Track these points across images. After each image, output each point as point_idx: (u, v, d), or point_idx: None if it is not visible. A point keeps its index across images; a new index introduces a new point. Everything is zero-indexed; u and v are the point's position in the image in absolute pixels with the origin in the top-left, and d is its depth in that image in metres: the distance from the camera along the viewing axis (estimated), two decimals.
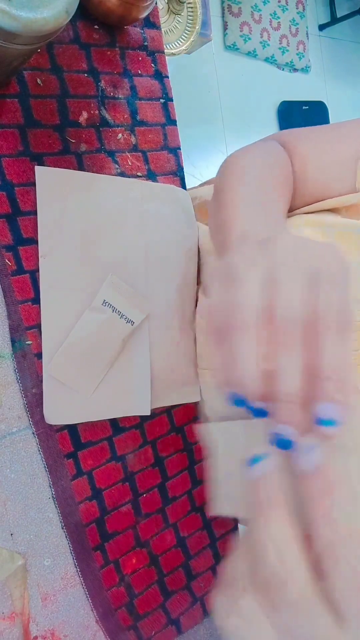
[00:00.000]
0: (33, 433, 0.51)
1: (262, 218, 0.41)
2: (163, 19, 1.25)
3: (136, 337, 0.55)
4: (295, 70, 2.53)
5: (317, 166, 0.51)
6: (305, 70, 2.57)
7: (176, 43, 1.29)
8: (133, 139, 0.57)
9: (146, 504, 0.59)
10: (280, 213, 0.44)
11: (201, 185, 0.82)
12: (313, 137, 0.53)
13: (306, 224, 0.48)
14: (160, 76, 0.59)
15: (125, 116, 0.57)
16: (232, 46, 2.23)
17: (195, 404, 0.61)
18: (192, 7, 1.27)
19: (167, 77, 0.60)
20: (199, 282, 0.61)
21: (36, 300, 0.51)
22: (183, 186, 0.62)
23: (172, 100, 0.60)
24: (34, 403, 0.51)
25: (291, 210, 0.53)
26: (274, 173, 0.49)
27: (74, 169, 0.53)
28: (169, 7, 1.24)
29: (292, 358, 0.23)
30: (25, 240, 0.50)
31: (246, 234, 0.39)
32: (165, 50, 0.60)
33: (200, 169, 2.06)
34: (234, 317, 0.25)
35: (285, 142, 0.55)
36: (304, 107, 2.52)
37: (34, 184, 0.50)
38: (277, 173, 0.50)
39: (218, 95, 2.19)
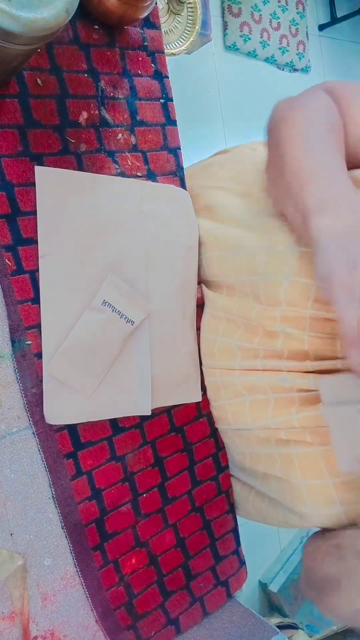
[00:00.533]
0: (33, 433, 0.51)
1: (332, 181, 0.42)
2: (163, 19, 1.25)
3: (136, 337, 0.55)
4: (295, 70, 2.53)
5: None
6: (305, 70, 2.57)
7: (176, 43, 1.29)
8: (133, 139, 0.57)
9: (146, 504, 0.59)
10: (344, 173, 0.44)
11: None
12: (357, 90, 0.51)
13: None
14: (160, 76, 0.59)
15: (125, 116, 0.57)
16: (232, 46, 2.23)
17: (196, 403, 0.61)
18: (192, 7, 1.27)
19: (167, 77, 0.60)
20: (199, 282, 0.61)
21: (36, 300, 0.51)
22: (183, 186, 0.62)
23: (172, 100, 0.60)
24: (34, 403, 0.51)
25: None
26: (332, 131, 0.48)
27: (74, 169, 0.53)
28: (169, 7, 1.24)
29: None
30: (25, 241, 0.50)
31: (324, 202, 0.40)
32: (165, 50, 0.60)
33: None
34: None
35: (339, 97, 0.52)
36: None
37: (33, 184, 0.50)
38: (335, 131, 0.48)
39: (218, 95, 2.19)
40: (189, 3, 1.26)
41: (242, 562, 0.68)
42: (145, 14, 0.54)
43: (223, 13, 2.21)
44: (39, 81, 0.51)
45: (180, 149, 0.62)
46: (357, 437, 0.43)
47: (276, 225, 0.50)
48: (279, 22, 2.38)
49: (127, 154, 0.57)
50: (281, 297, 0.46)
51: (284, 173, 0.45)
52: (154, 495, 0.60)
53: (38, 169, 0.50)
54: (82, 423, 0.54)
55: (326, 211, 0.39)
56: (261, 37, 2.32)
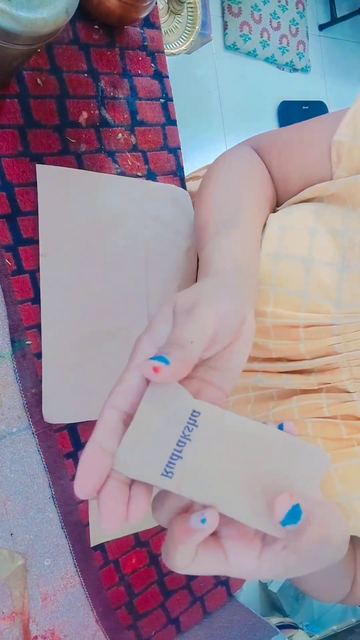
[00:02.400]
0: (33, 433, 0.51)
1: (231, 216, 0.45)
2: (163, 19, 1.25)
3: (136, 337, 0.55)
4: (295, 70, 2.53)
5: (295, 167, 0.51)
6: (305, 70, 2.57)
7: (176, 43, 1.29)
8: (133, 139, 0.58)
9: None
10: (245, 207, 0.46)
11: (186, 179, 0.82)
12: (286, 137, 0.53)
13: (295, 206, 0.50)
14: (160, 76, 0.59)
15: (125, 116, 0.57)
16: (232, 46, 2.23)
17: None
18: (192, 7, 1.27)
19: (167, 77, 0.60)
20: None
21: (36, 300, 0.51)
22: (183, 186, 0.62)
23: (172, 100, 0.60)
24: (34, 403, 0.51)
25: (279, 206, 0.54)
26: (249, 174, 0.51)
27: (75, 169, 0.53)
28: (169, 7, 1.24)
29: None
30: (25, 241, 0.50)
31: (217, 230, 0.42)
32: (165, 50, 0.60)
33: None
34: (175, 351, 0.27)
35: (259, 147, 0.55)
36: (303, 107, 2.52)
37: (33, 184, 0.50)
38: (253, 173, 0.51)
39: (218, 95, 2.19)
40: (189, 3, 1.26)
41: None
42: (145, 14, 0.54)
43: (223, 13, 2.21)
44: (39, 81, 0.51)
45: (180, 148, 0.62)
46: None
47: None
48: (279, 22, 2.39)
49: (127, 154, 0.57)
50: None
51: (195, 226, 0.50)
52: None
53: (39, 167, 0.50)
54: (82, 423, 0.54)
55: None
56: (261, 37, 2.32)
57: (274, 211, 0.53)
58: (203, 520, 0.26)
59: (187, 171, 0.66)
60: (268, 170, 0.54)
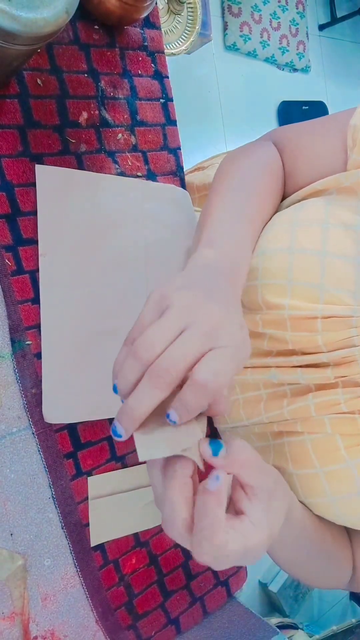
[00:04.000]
0: (33, 433, 0.51)
1: (231, 225, 0.46)
2: (163, 19, 1.25)
3: None
4: (295, 70, 2.53)
5: (306, 161, 0.52)
6: (305, 70, 2.57)
7: (176, 43, 1.29)
8: (133, 139, 0.58)
9: None
10: (249, 222, 0.47)
11: (191, 171, 0.82)
12: (301, 131, 0.54)
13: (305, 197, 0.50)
14: (160, 76, 0.59)
15: (125, 116, 0.57)
16: (232, 46, 2.23)
17: None
18: (192, 7, 1.27)
19: (167, 77, 0.60)
20: None
21: (36, 300, 0.51)
22: (183, 186, 0.62)
23: (172, 101, 0.60)
24: (34, 403, 0.51)
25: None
26: (261, 179, 0.51)
27: (74, 169, 0.53)
28: (169, 7, 1.24)
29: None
30: (25, 241, 0.50)
31: (211, 241, 0.43)
32: (165, 50, 0.60)
33: None
34: (141, 346, 0.32)
35: (276, 141, 0.56)
36: (304, 107, 2.52)
37: (34, 184, 0.50)
38: (265, 178, 0.51)
39: (218, 95, 2.19)
40: (189, 3, 1.26)
41: None
42: (145, 14, 0.54)
43: (223, 13, 2.21)
44: (39, 81, 0.51)
45: (180, 149, 0.62)
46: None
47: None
48: (279, 22, 2.39)
49: (127, 154, 0.57)
50: (259, 301, 0.47)
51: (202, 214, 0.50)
52: None
53: (38, 167, 0.50)
54: (82, 423, 0.54)
55: (211, 245, 0.42)
56: (261, 37, 2.32)
57: (280, 206, 0.54)
58: (217, 477, 0.31)
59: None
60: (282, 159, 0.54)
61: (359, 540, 0.53)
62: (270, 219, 0.51)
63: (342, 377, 0.46)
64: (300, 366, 0.48)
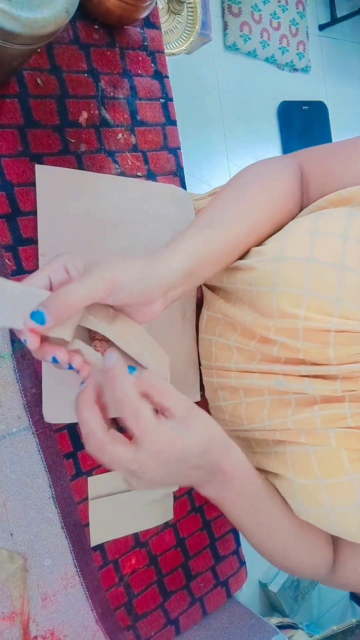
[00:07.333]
0: (33, 433, 0.51)
1: (218, 218, 0.49)
2: (163, 19, 1.25)
3: None
4: (295, 70, 2.53)
5: (334, 178, 0.51)
6: (305, 70, 2.57)
7: (176, 43, 1.29)
8: (133, 139, 0.57)
9: None
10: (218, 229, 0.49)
11: (210, 194, 0.83)
12: (327, 149, 0.54)
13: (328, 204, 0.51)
14: (160, 76, 0.59)
15: (125, 116, 0.57)
16: (232, 46, 2.23)
17: (196, 403, 0.61)
18: (192, 7, 1.27)
19: (167, 77, 0.60)
20: None
21: None
22: (183, 186, 0.62)
23: (172, 101, 0.60)
24: (34, 403, 0.51)
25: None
26: (268, 183, 0.52)
27: (74, 169, 0.53)
28: (169, 7, 1.24)
29: None
30: (25, 241, 0.50)
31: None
32: (165, 50, 0.60)
33: (200, 169, 2.06)
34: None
35: (302, 160, 0.55)
36: (304, 107, 2.52)
37: (33, 184, 0.50)
38: (272, 184, 0.52)
39: (218, 95, 2.19)
40: (189, 3, 1.26)
41: (242, 562, 0.68)
42: (145, 14, 0.54)
43: (223, 13, 2.21)
44: (39, 81, 0.51)
45: (180, 149, 0.62)
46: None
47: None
48: (279, 22, 2.39)
49: (127, 154, 0.57)
50: (274, 309, 0.47)
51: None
52: None
53: (38, 167, 0.50)
54: None
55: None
56: (261, 37, 2.32)
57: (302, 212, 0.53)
58: (110, 355, 0.38)
59: (187, 171, 0.66)
60: (307, 183, 0.54)
61: (346, 542, 0.52)
62: (288, 223, 0.51)
63: (350, 391, 0.45)
64: (308, 376, 0.48)
